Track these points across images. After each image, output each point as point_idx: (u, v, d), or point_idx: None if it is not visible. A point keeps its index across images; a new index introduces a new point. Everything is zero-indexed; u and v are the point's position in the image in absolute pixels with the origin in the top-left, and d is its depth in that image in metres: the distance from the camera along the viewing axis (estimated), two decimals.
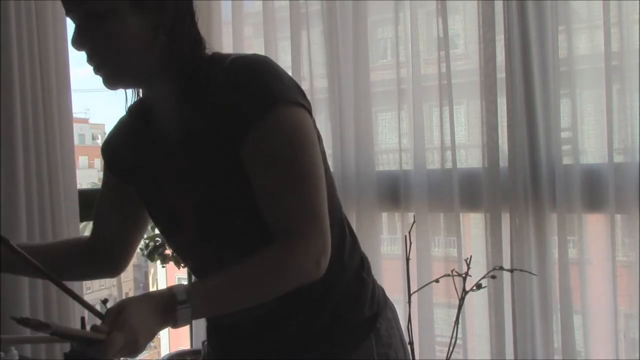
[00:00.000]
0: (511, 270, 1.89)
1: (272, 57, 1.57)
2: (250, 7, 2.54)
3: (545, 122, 1.96)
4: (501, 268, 1.87)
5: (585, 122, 1.96)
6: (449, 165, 2.10)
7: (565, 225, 1.93)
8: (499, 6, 1.99)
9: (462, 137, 2.15)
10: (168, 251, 2.25)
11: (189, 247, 1.22)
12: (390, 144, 2.26)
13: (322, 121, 2.25)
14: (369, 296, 1.20)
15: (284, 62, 2.30)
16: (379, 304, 1.21)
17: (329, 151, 1.95)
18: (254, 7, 2.52)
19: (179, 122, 1.13)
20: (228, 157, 1.07)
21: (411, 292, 1.89)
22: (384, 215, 2.31)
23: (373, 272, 1.28)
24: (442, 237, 2.18)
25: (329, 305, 1.16)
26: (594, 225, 1.96)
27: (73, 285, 2.16)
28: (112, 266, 1.37)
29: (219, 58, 1.12)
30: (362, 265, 1.23)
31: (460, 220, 2.12)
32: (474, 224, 2.18)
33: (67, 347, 1.68)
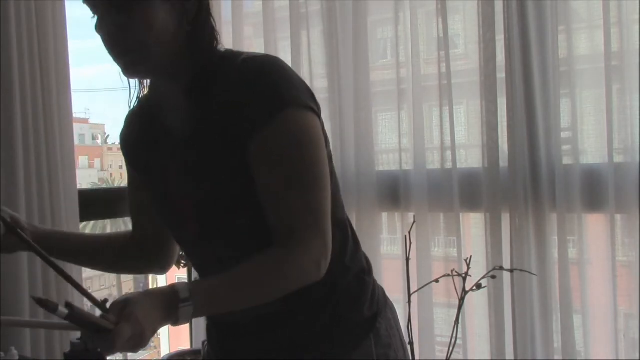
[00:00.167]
0: (511, 270, 1.89)
1: None
2: (250, 7, 2.55)
3: (545, 122, 1.96)
4: (501, 268, 1.87)
5: (585, 122, 1.96)
6: (449, 165, 2.11)
7: (565, 225, 1.93)
8: (499, 6, 1.99)
9: (462, 137, 2.15)
10: None
11: (192, 244, 1.22)
12: (390, 144, 2.27)
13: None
14: (369, 296, 1.20)
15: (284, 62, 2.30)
16: (379, 304, 1.21)
17: None
18: (254, 7, 2.52)
19: (187, 117, 1.13)
20: (234, 155, 1.08)
21: (411, 292, 1.89)
22: (384, 215, 2.32)
23: (373, 272, 1.28)
24: (442, 237, 2.18)
25: (329, 306, 1.16)
26: (594, 225, 1.96)
27: (74, 289, 2.16)
28: (160, 261, 1.37)
29: (231, 55, 1.13)
30: (363, 268, 1.23)
31: (460, 220, 2.12)
32: (474, 224, 2.19)
33: (67, 347, 1.68)
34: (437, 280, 1.92)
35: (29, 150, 2.00)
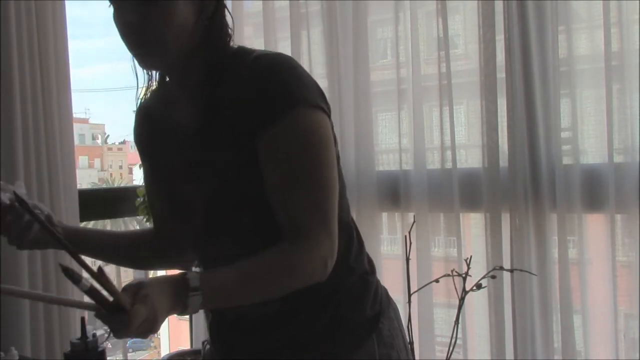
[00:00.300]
0: (511, 270, 1.89)
1: None
2: (250, 7, 2.55)
3: (545, 122, 1.96)
4: (501, 268, 1.87)
5: (585, 122, 1.96)
6: (449, 165, 2.11)
7: (565, 225, 1.93)
8: (499, 6, 1.99)
9: (462, 137, 2.15)
10: None
11: (199, 239, 1.22)
12: (390, 144, 2.27)
13: None
14: (372, 296, 1.20)
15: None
16: (382, 304, 1.21)
17: None
18: (254, 7, 2.53)
19: (197, 112, 1.14)
20: (243, 151, 1.08)
21: (411, 292, 1.90)
22: (384, 215, 2.32)
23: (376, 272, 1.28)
24: (442, 237, 2.19)
25: (331, 306, 1.16)
26: (594, 225, 1.96)
27: (74, 289, 2.16)
28: (186, 257, 1.36)
29: (243, 53, 1.14)
30: (366, 269, 1.23)
31: (460, 220, 2.12)
32: (474, 224, 2.19)
33: (67, 347, 1.68)
34: (437, 280, 1.93)
35: (29, 150, 2.00)
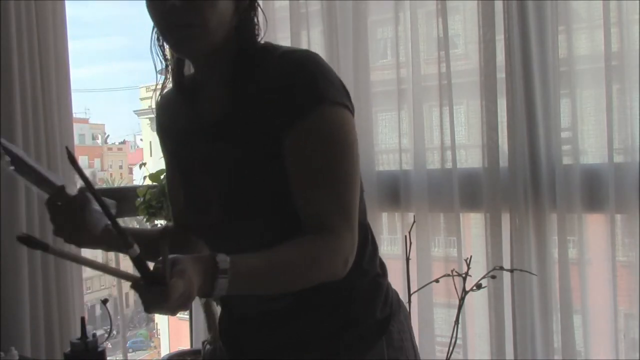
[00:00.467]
0: (511, 270, 1.89)
1: None
2: None
3: (545, 122, 1.96)
4: (501, 268, 1.87)
5: (585, 122, 1.96)
6: (449, 165, 2.11)
7: (565, 225, 1.93)
8: (499, 6, 1.99)
9: (462, 137, 2.15)
10: None
11: (214, 230, 1.21)
12: (390, 144, 2.26)
13: None
14: (382, 299, 1.20)
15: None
16: (392, 307, 1.21)
17: None
18: None
19: (222, 103, 1.14)
20: (266, 144, 1.09)
21: (411, 292, 1.89)
22: (384, 215, 2.31)
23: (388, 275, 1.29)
24: (442, 237, 2.18)
25: (343, 307, 1.16)
26: (594, 225, 1.96)
27: (74, 289, 2.17)
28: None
29: (271, 48, 1.15)
30: (379, 271, 1.23)
31: (460, 220, 2.12)
32: (474, 224, 2.19)
33: (67, 347, 1.68)
34: (437, 280, 1.93)
35: (29, 150, 2.01)
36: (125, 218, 2.65)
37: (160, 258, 0.91)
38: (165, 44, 1.16)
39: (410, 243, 1.92)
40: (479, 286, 1.81)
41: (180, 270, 0.91)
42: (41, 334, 2.01)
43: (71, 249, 1.26)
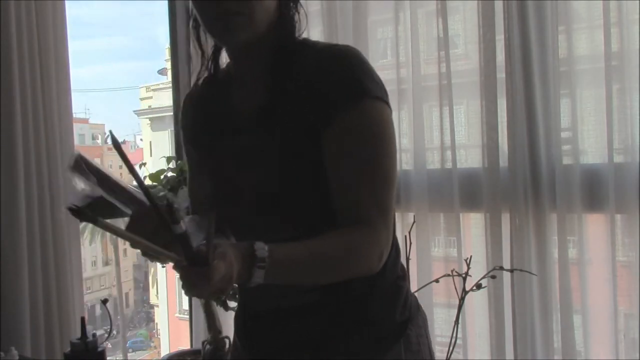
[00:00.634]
0: (511, 270, 1.89)
1: None
2: None
3: (545, 122, 1.96)
4: (501, 268, 1.87)
5: (585, 122, 1.96)
6: (449, 165, 2.11)
7: (565, 225, 1.93)
8: (499, 6, 1.99)
9: (462, 137, 2.15)
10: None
11: (241, 222, 1.20)
12: None
13: None
14: (402, 302, 1.20)
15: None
16: (411, 311, 1.21)
17: None
18: None
19: (259, 96, 1.14)
20: (306, 137, 1.09)
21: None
22: None
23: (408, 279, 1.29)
24: (442, 237, 2.18)
25: (362, 306, 1.16)
26: (594, 225, 1.96)
27: (74, 289, 2.16)
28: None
29: (312, 43, 1.16)
30: (399, 274, 1.23)
31: (460, 220, 2.12)
32: (474, 224, 2.19)
33: (67, 347, 1.68)
34: (437, 280, 1.93)
35: (29, 150, 2.00)
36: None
37: (204, 241, 0.89)
38: (206, 33, 1.16)
39: (410, 243, 1.92)
40: (479, 286, 1.81)
41: (222, 252, 0.90)
42: (41, 334, 2.01)
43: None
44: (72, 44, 2.19)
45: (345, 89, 1.07)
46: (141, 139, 22.14)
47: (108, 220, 0.88)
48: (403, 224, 2.21)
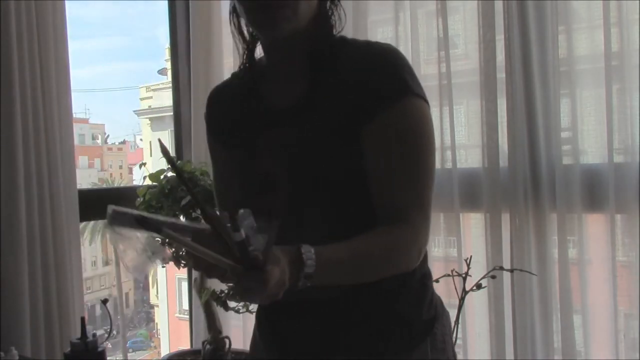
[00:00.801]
0: (511, 270, 1.89)
1: None
2: None
3: (545, 122, 1.96)
4: (501, 268, 1.87)
5: (585, 122, 1.96)
6: (449, 165, 2.11)
7: (565, 225, 1.93)
8: (499, 6, 1.99)
9: (462, 137, 2.15)
10: (168, 252, 2.25)
11: (275, 216, 1.19)
12: None
13: None
14: (428, 301, 1.20)
15: None
16: (437, 310, 1.21)
17: None
18: None
19: (297, 91, 1.14)
20: (346, 132, 1.09)
21: None
22: None
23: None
24: (442, 237, 2.19)
25: (390, 303, 1.16)
26: (594, 225, 1.96)
27: (74, 289, 2.16)
28: None
29: (352, 41, 1.16)
30: (426, 273, 1.24)
31: (460, 220, 2.12)
32: (474, 224, 2.19)
33: (67, 347, 1.68)
34: (437, 280, 1.92)
35: (29, 150, 2.00)
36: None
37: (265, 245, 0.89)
38: (246, 24, 1.16)
39: None
40: (479, 286, 1.81)
41: (275, 257, 0.90)
42: (41, 334, 2.01)
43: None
44: (72, 44, 2.19)
45: (388, 85, 1.08)
46: (141, 139, 22.13)
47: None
48: None
